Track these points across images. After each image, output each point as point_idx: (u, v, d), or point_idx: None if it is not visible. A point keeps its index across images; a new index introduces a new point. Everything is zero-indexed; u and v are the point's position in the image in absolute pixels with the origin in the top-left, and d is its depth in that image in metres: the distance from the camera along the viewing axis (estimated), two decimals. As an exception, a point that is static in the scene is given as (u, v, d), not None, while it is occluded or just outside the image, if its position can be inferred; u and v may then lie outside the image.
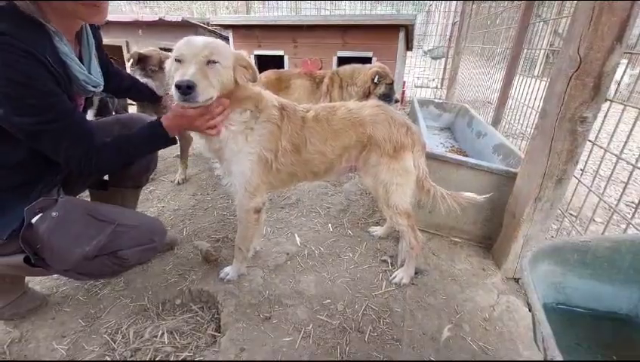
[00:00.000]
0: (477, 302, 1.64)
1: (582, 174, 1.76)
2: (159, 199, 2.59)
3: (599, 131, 1.62)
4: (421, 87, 7.52)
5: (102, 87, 1.38)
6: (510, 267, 1.82)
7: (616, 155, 1.51)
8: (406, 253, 1.74)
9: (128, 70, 2.55)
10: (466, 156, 2.62)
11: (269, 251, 1.95)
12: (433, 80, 7.79)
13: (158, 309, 1.57)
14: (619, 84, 1.69)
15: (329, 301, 1.62)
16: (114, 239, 1.29)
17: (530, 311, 0.82)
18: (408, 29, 3.92)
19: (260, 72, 3.39)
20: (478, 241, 2.08)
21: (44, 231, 1.18)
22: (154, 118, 1.94)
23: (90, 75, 1.30)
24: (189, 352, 1.37)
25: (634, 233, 1.41)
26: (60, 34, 1.14)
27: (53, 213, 1.21)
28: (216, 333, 1.46)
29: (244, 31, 4.27)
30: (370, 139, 1.54)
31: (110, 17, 1.28)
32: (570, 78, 1.40)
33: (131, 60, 2.52)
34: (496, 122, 3.34)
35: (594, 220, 2.08)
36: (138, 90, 1.86)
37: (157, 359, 1.34)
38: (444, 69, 6.80)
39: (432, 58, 8.84)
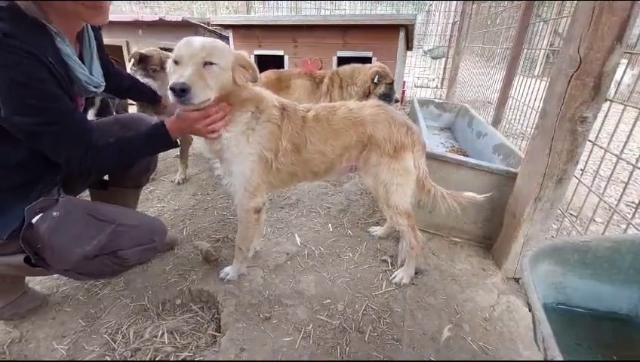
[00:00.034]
0: (477, 302, 1.64)
1: (582, 174, 1.76)
2: (159, 199, 2.59)
3: (599, 131, 1.62)
4: (421, 87, 7.52)
5: (103, 88, 1.39)
6: (510, 267, 1.82)
7: (616, 155, 1.51)
8: (406, 252, 1.73)
9: (129, 70, 2.55)
10: (467, 156, 2.62)
11: (269, 251, 1.95)
12: (433, 80, 7.79)
13: (158, 309, 1.57)
14: (619, 85, 1.69)
15: (329, 301, 1.62)
16: (114, 239, 1.30)
17: (530, 311, 0.82)
18: (408, 29, 3.92)
19: (260, 72, 3.39)
20: (479, 241, 2.08)
21: (45, 231, 1.18)
22: (154, 117, 1.95)
23: (92, 75, 1.31)
24: (189, 352, 1.37)
25: (634, 233, 1.41)
26: (61, 35, 1.14)
27: (54, 213, 1.21)
28: (216, 333, 1.46)
29: (245, 31, 4.27)
30: (370, 139, 1.54)
31: (110, 17, 1.28)
32: (571, 77, 1.40)
33: (132, 60, 2.52)
34: (496, 122, 3.34)
35: (594, 220, 2.08)
36: (138, 90, 1.86)
37: (157, 359, 1.34)
38: (444, 68, 6.80)
39: (432, 58, 8.84)
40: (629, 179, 1.46)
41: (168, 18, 4.09)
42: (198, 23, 4.25)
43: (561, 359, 0.67)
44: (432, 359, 1.36)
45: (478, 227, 2.05)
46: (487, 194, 1.66)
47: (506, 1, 3.99)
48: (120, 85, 1.72)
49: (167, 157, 3.36)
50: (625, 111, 1.53)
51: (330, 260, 1.91)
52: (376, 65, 3.23)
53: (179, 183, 2.81)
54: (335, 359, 1.35)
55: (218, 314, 1.54)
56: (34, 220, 1.18)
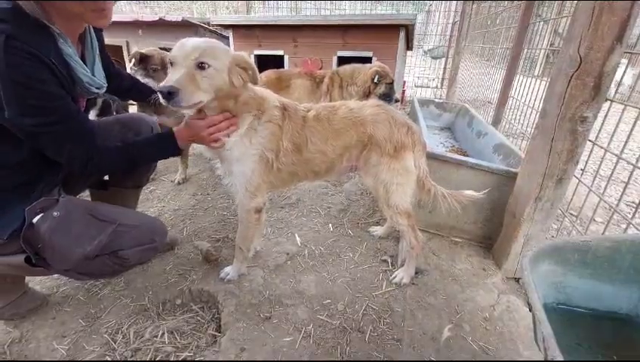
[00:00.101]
0: (477, 301, 1.64)
1: (582, 174, 1.76)
2: (159, 199, 2.59)
3: (599, 131, 1.62)
4: (421, 86, 7.52)
5: (105, 89, 1.39)
6: (510, 267, 1.82)
7: (616, 155, 1.51)
8: (406, 252, 1.74)
9: (129, 70, 2.55)
10: (467, 156, 2.62)
11: (269, 251, 1.95)
12: (433, 80, 7.79)
13: (158, 309, 1.57)
14: (619, 85, 1.69)
15: (329, 301, 1.62)
16: (115, 239, 1.30)
17: (530, 310, 0.82)
18: (408, 29, 3.92)
19: (260, 72, 3.38)
20: (479, 241, 2.08)
21: (46, 231, 1.18)
22: (154, 117, 1.95)
23: (94, 76, 1.31)
24: (189, 352, 1.37)
25: (634, 233, 1.41)
26: (64, 36, 1.14)
27: (55, 213, 1.21)
28: (216, 333, 1.46)
29: (245, 31, 4.27)
30: (370, 139, 1.54)
31: (110, 17, 1.29)
32: (571, 77, 1.40)
33: (133, 60, 2.52)
34: (496, 122, 3.34)
35: (594, 220, 2.09)
36: (139, 90, 1.86)
37: (157, 359, 1.34)
38: (445, 68, 6.79)
39: (432, 58, 8.85)
40: (629, 178, 1.46)
41: (168, 18, 4.09)
42: (198, 23, 4.25)
43: (562, 359, 0.68)
44: (433, 359, 1.36)
45: (478, 227, 2.05)
46: (487, 190, 1.66)
47: (506, 1, 3.99)
48: (120, 85, 1.72)
49: (168, 157, 3.35)
50: (625, 110, 1.53)
51: (331, 260, 1.91)
52: (376, 65, 3.23)
53: (179, 183, 2.81)
54: (335, 359, 1.35)
55: (218, 314, 1.54)
56: (34, 220, 1.18)
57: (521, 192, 1.72)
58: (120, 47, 4.36)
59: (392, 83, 3.20)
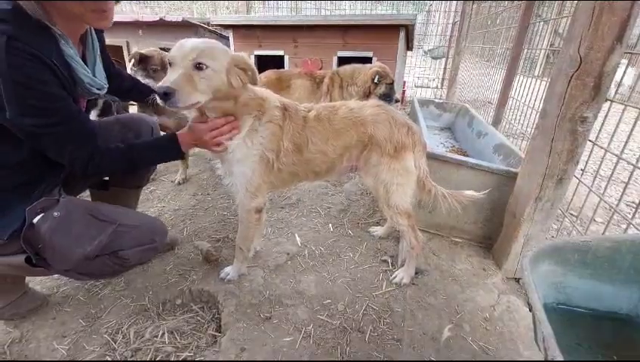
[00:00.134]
0: (477, 301, 1.64)
1: (582, 174, 1.76)
2: (160, 199, 2.59)
3: (600, 131, 1.62)
4: (421, 87, 7.52)
5: (106, 90, 1.39)
6: (511, 267, 1.82)
7: (616, 155, 1.51)
8: (406, 252, 1.74)
9: (129, 70, 2.55)
10: (467, 156, 2.62)
11: (269, 251, 1.95)
12: (433, 80, 7.79)
13: (158, 309, 1.57)
14: (619, 85, 1.69)
15: (329, 301, 1.62)
16: (115, 239, 1.30)
17: (530, 310, 0.82)
18: (408, 29, 3.92)
19: (261, 72, 3.38)
20: (479, 241, 2.08)
21: (46, 231, 1.18)
22: (154, 118, 1.95)
23: (95, 77, 1.31)
24: (189, 352, 1.37)
25: (634, 233, 1.41)
26: (65, 37, 1.14)
27: (55, 213, 1.21)
28: (216, 333, 1.46)
29: (245, 31, 4.27)
30: (371, 139, 1.54)
31: (111, 18, 1.30)
32: (571, 77, 1.40)
33: (132, 60, 2.52)
34: (496, 122, 3.34)
35: (594, 220, 2.08)
36: (139, 90, 1.86)
37: (157, 359, 1.34)
38: (445, 68, 6.79)
39: (433, 58, 8.85)
40: (630, 179, 1.46)
41: (168, 18, 4.10)
42: (198, 23, 4.25)
43: (562, 359, 0.68)
44: (433, 359, 1.36)
45: (478, 227, 2.05)
46: (487, 191, 1.66)
47: (506, 1, 3.99)
48: (121, 86, 1.72)
49: (168, 158, 3.35)
50: (625, 111, 1.53)
51: (331, 260, 1.91)
52: (376, 65, 3.24)
53: (179, 183, 2.81)
54: (335, 359, 1.35)
55: (218, 314, 1.54)
56: (35, 220, 1.18)
57: (522, 192, 1.72)
58: (120, 48, 4.37)
59: (392, 83, 3.20)
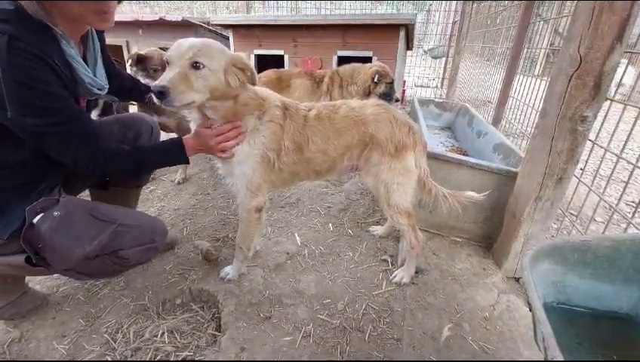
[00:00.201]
0: (477, 301, 1.64)
1: (582, 173, 1.76)
2: (160, 198, 2.59)
3: (599, 130, 1.62)
4: (421, 86, 7.52)
5: (106, 90, 1.39)
6: (510, 266, 1.82)
7: (616, 155, 1.51)
8: (406, 252, 1.74)
9: (128, 71, 2.54)
10: (467, 155, 2.62)
11: (269, 250, 1.95)
12: (433, 79, 7.79)
13: (158, 309, 1.57)
14: (618, 85, 1.69)
15: (329, 300, 1.62)
16: (115, 239, 1.30)
17: (530, 310, 0.82)
18: (408, 29, 3.92)
19: (261, 72, 3.38)
20: (479, 241, 2.08)
21: (46, 231, 1.18)
22: (154, 118, 1.95)
23: (96, 77, 1.31)
24: (189, 351, 1.37)
25: (634, 232, 1.41)
26: (66, 37, 1.14)
27: (55, 213, 1.21)
28: (216, 333, 1.46)
29: (245, 30, 4.27)
30: (372, 138, 1.54)
31: (111, 17, 1.30)
32: (571, 77, 1.40)
33: (130, 61, 2.51)
34: (496, 121, 3.34)
35: (594, 219, 2.09)
36: (140, 91, 1.86)
37: (157, 358, 1.34)
38: (445, 68, 6.79)
39: (433, 57, 8.84)
40: (629, 178, 1.46)
41: (168, 18, 4.09)
42: (198, 22, 4.25)
43: (562, 359, 0.67)
44: (432, 359, 1.36)
45: (478, 226, 2.05)
46: (487, 192, 1.66)
47: (506, 1, 3.99)
48: (121, 86, 1.72)
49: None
50: (625, 110, 1.53)
51: (331, 260, 1.91)
52: (376, 64, 3.23)
53: (179, 183, 2.82)
54: (335, 359, 1.35)
55: (218, 314, 1.54)
56: (35, 220, 1.18)
57: (521, 192, 1.72)
58: (120, 47, 4.37)
59: (392, 82, 3.20)
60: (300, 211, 2.39)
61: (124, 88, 1.77)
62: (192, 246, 1.98)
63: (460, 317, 1.55)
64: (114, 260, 1.32)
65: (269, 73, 3.30)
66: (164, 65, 2.24)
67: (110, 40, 4.24)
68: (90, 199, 1.82)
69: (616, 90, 1.61)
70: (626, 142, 1.48)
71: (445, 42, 7.49)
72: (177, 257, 1.90)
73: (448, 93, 5.85)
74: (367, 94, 3.14)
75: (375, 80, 3.10)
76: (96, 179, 1.69)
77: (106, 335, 1.43)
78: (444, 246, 2.05)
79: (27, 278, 1.58)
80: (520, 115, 2.78)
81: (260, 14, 7.35)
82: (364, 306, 1.59)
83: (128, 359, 1.34)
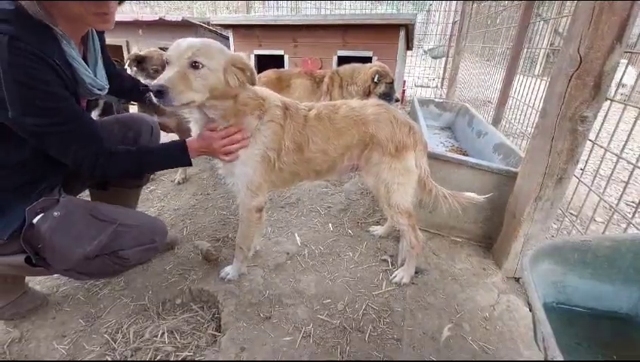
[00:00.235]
0: (477, 301, 1.64)
1: (582, 173, 1.76)
2: (159, 198, 2.59)
3: (599, 130, 1.62)
4: (421, 86, 7.52)
5: (107, 90, 1.39)
6: (510, 266, 1.82)
7: (616, 155, 1.51)
8: (406, 252, 1.74)
9: (128, 72, 2.54)
10: (467, 155, 2.62)
11: (269, 251, 1.95)
12: (433, 79, 7.79)
13: (158, 309, 1.57)
14: (618, 85, 1.69)
15: (329, 300, 1.62)
16: (115, 239, 1.30)
17: (530, 310, 0.82)
18: (408, 29, 3.92)
19: (261, 72, 3.38)
20: (479, 241, 2.08)
21: (46, 231, 1.18)
22: (154, 118, 1.95)
23: (96, 78, 1.31)
24: (189, 352, 1.37)
25: (634, 232, 1.41)
26: (67, 37, 1.14)
27: (55, 213, 1.21)
28: (216, 333, 1.46)
29: (245, 30, 4.27)
30: (372, 138, 1.54)
31: (111, 17, 1.31)
32: (571, 77, 1.40)
33: (128, 62, 2.51)
34: (496, 121, 3.34)
35: (594, 220, 2.09)
36: (140, 91, 1.86)
37: (157, 358, 1.34)
38: (445, 68, 6.79)
39: (433, 57, 8.83)
40: (629, 178, 1.46)
41: (168, 18, 4.09)
42: (198, 22, 4.25)
43: (561, 358, 0.67)
44: (432, 359, 1.36)
45: (478, 226, 2.05)
46: (488, 195, 1.66)
47: (506, 1, 3.99)
48: (122, 86, 1.72)
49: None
50: (625, 110, 1.53)
51: (331, 260, 1.91)
52: (376, 64, 3.23)
53: (179, 183, 2.81)
54: (335, 359, 1.35)
55: (218, 314, 1.54)
56: (35, 220, 1.18)
57: (521, 192, 1.72)
58: (120, 47, 4.37)
59: (392, 82, 3.20)
60: (300, 211, 2.39)
61: (125, 88, 1.77)
62: (192, 246, 1.98)
63: (460, 317, 1.55)
64: (114, 260, 1.32)
65: (269, 73, 3.30)
66: (164, 66, 2.23)
67: (110, 40, 4.24)
68: (90, 199, 1.82)
69: (616, 90, 1.61)
70: (626, 142, 1.48)
71: (445, 42, 7.49)
72: (177, 257, 1.90)
73: (448, 93, 5.85)
74: (367, 94, 3.14)
75: (375, 80, 3.10)
76: (96, 179, 1.69)
77: (106, 336, 1.43)
78: (444, 246, 2.05)
79: (27, 278, 1.58)
80: (520, 115, 2.78)
81: (260, 14, 7.35)
82: (364, 306, 1.59)
83: (128, 359, 1.34)
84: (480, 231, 2.06)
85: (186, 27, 4.14)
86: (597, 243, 1.05)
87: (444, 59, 7.36)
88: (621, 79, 1.61)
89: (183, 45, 1.21)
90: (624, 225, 1.67)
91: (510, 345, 1.43)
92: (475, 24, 5.01)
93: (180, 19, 4.10)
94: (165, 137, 2.62)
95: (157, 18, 4.09)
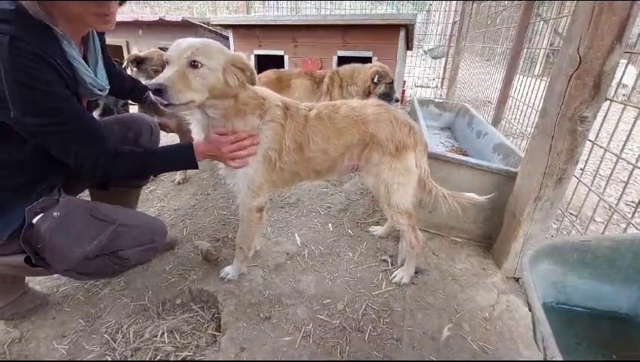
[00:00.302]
0: (477, 301, 1.64)
1: (582, 173, 1.76)
2: (159, 199, 2.59)
3: (599, 130, 1.62)
4: (421, 86, 7.52)
5: (107, 91, 1.39)
6: (510, 266, 1.82)
7: (616, 155, 1.51)
8: (406, 252, 1.74)
9: (128, 72, 2.54)
10: (467, 155, 2.62)
11: (269, 251, 1.95)
12: (433, 79, 7.79)
13: (158, 309, 1.57)
14: (618, 86, 1.69)
15: (329, 300, 1.62)
16: (115, 239, 1.30)
17: (530, 310, 0.82)
18: (408, 29, 3.92)
19: (261, 72, 3.38)
20: (479, 241, 2.08)
21: (46, 231, 1.18)
22: (154, 118, 1.95)
23: (97, 78, 1.31)
24: (189, 352, 1.37)
25: (634, 232, 1.41)
26: (67, 37, 1.14)
27: (55, 213, 1.21)
28: (216, 333, 1.46)
29: (245, 31, 4.27)
30: (372, 138, 1.54)
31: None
32: (571, 77, 1.40)
33: (126, 62, 2.51)
34: (496, 121, 3.34)
35: (594, 220, 2.09)
36: (140, 91, 1.86)
37: (157, 358, 1.34)
38: (445, 68, 6.79)
39: (432, 57, 8.83)
40: (629, 178, 1.46)
41: (168, 18, 4.10)
42: (198, 22, 4.26)
43: (561, 358, 0.68)
44: (432, 359, 1.36)
45: (478, 226, 2.05)
46: (489, 196, 1.66)
47: (506, 1, 3.99)
48: (122, 86, 1.72)
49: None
50: (625, 110, 1.53)
51: (330, 260, 1.91)
52: (376, 64, 3.24)
53: (179, 183, 2.82)
54: (335, 359, 1.35)
55: (218, 314, 1.54)
56: (34, 220, 1.18)
57: (521, 192, 1.72)
58: (120, 48, 4.37)
59: (392, 82, 3.20)
60: (300, 211, 2.39)
61: (125, 89, 1.77)
62: (192, 247, 1.98)
63: (460, 317, 1.55)
64: (114, 260, 1.31)
65: (269, 73, 3.30)
66: (164, 66, 2.24)
67: (110, 40, 4.24)
68: (90, 199, 1.82)
69: (616, 90, 1.61)
70: (626, 142, 1.48)
71: (445, 42, 7.49)
72: (177, 257, 1.90)
73: (448, 93, 5.85)
74: (367, 94, 3.14)
75: (375, 80, 3.10)
76: (98, 179, 1.69)
77: (106, 336, 1.43)
78: (444, 247, 2.05)
79: (27, 278, 1.58)
80: (520, 115, 2.78)
81: (260, 14, 7.36)
82: (363, 306, 1.59)
83: (128, 359, 1.34)
84: (480, 231, 2.06)
85: (185, 27, 4.15)
86: (596, 243, 1.05)
87: (444, 59, 7.36)
88: (621, 79, 1.60)
89: (182, 45, 1.21)
90: (624, 225, 1.67)
91: (510, 344, 1.43)
92: (475, 24, 5.01)
93: (179, 19, 4.10)
94: (165, 137, 2.63)
95: (157, 18, 4.10)
